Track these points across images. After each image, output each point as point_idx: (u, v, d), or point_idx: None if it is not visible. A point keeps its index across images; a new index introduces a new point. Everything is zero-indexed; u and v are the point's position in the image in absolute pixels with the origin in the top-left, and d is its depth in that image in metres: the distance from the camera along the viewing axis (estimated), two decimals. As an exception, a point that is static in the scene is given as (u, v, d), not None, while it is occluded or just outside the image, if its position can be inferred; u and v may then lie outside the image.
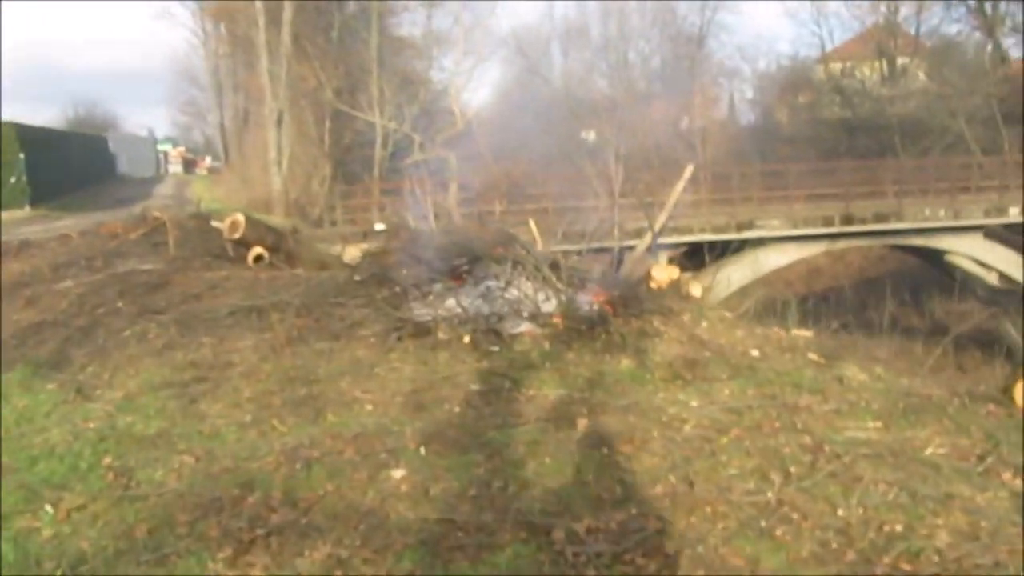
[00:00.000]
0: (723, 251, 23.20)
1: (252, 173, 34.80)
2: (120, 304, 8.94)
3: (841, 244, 23.14)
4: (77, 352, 7.12)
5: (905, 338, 14.37)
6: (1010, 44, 32.07)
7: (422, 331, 6.86)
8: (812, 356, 6.37)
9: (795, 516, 3.76)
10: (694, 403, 5.44)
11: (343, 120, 32.91)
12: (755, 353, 6.47)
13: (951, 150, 30.50)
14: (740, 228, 21.88)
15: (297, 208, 27.79)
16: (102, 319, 8.26)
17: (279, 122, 26.02)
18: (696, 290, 9.97)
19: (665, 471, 4.33)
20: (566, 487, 4.14)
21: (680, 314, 7.49)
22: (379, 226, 14.67)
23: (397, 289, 8.07)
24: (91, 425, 5.33)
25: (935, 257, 25.97)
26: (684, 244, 21.80)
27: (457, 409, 5.45)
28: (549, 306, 7.29)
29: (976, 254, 23.48)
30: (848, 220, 22.21)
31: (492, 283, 7.74)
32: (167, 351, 6.90)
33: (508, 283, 7.62)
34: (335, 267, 12.56)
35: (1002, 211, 23.01)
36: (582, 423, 5.02)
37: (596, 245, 21.43)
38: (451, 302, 7.43)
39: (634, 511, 3.87)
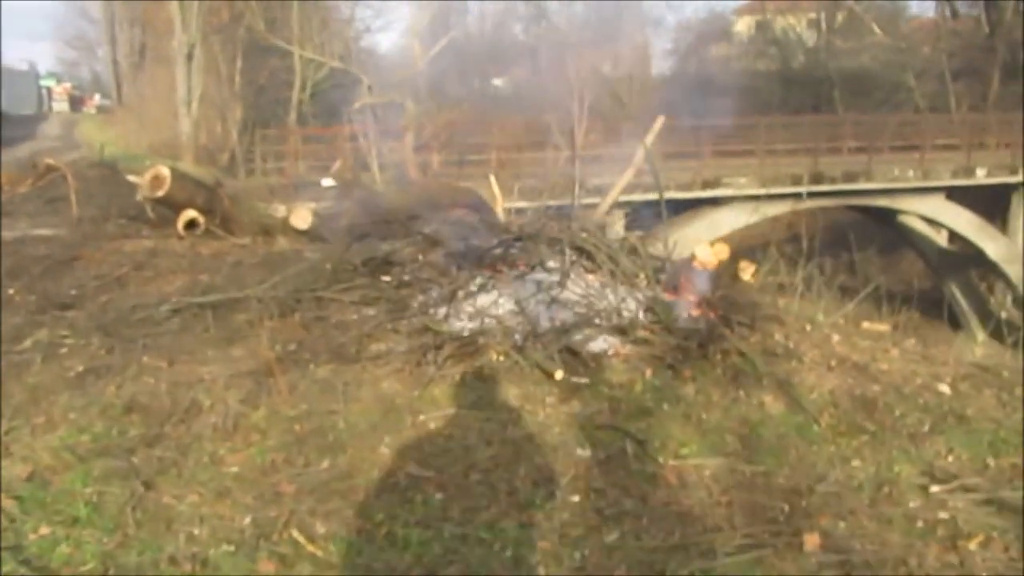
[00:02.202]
0: (676, 209, 21.60)
1: (153, 114, 31.40)
2: (12, 291, 6.59)
3: (807, 204, 21.82)
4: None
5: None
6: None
7: (467, 350, 4.84)
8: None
9: None
10: (933, 487, 3.62)
11: (256, 58, 29.93)
12: (944, 388, 4.70)
13: (899, 107, 29.61)
14: (706, 186, 20.23)
15: (208, 155, 24.88)
16: (-13, 317, 5.91)
17: (189, 58, 22.94)
18: (747, 274, 8.20)
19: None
20: None
21: (798, 321, 5.67)
22: (327, 181, 12.40)
23: (406, 278, 6.01)
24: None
25: (885, 216, 25.04)
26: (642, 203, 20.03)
27: (577, 498, 3.50)
28: (627, 310, 5.36)
29: (937, 216, 22.54)
30: (817, 179, 20.84)
31: (542, 276, 5.74)
32: (91, 380, 4.66)
33: (565, 276, 5.63)
34: (282, 233, 10.32)
35: (969, 172, 22.04)
36: (811, 540, 3.14)
37: (555, 203, 19.56)
38: (493, 302, 5.41)
39: None
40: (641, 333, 5.03)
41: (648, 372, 4.72)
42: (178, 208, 9.52)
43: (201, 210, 9.50)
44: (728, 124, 25.50)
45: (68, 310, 6.03)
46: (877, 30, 31.54)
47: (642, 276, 5.52)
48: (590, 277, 5.72)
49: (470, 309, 5.34)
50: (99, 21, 50.61)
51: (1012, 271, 23.14)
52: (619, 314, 5.17)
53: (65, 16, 58.92)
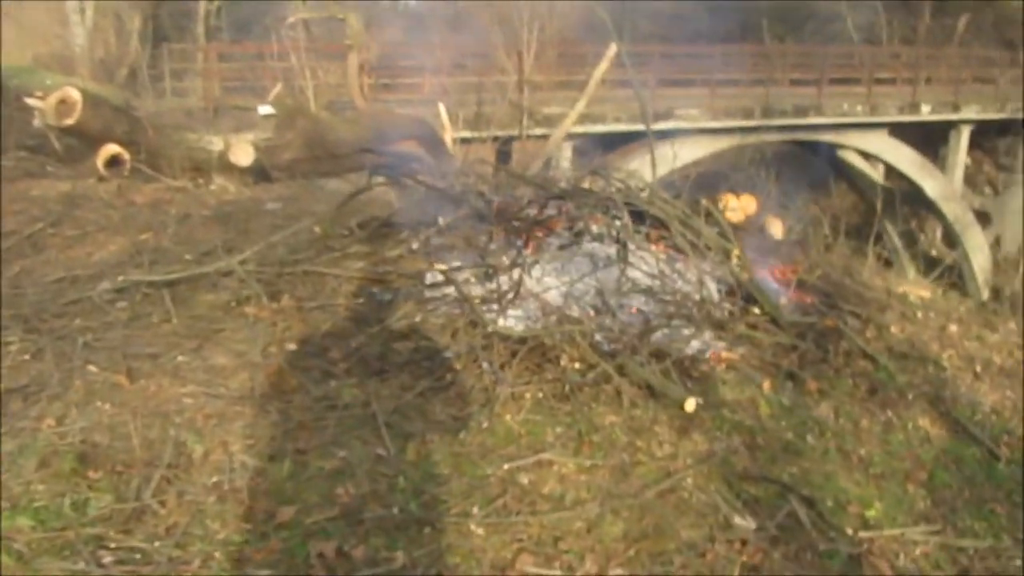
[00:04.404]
0: (613, 142, 20.48)
1: (35, 19, 28.27)
2: None
3: (752, 138, 21.03)
4: None
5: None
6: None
7: (532, 357, 3.68)
8: None
9: None
10: None
11: (153, -40, 27.19)
12: None
13: (832, 39, 29.02)
14: (657, 118, 19.15)
15: (105, 70, 22.36)
16: None
17: (80, -44, 20.30)
18: (775, 229, 7.25)
19: None
20: None
21: (900, 302, 4.71)
22: (264, 108, 10.73)
23: (415, 246, 4.78)
24: None
25: (821, 149, 24.61)
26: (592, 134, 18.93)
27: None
28: (712, 295, 4.28)
29: (880, 152, 22.18)
30: (768, 112, 20.04)
31: (594, 245, 4.60)
32: (16, 405, 3.32)
33: (624, 248, 4.48)
34: (218, 171, 8.82)
35: (915, 108, 21.64)
36: None
37: (502, 134, 18.17)
38: (540, 284, 4.25)
39: None
40: (743, 329, 3.97)
41: (766, 385, 3.68)
42: (93, 140, 7.92)
43: (121, 143, 7.92)
44: (670, 52, 24.42)
45: (-32, 285, 4.59)
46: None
47: (734, 252, 4.42)
48: (653, 248, 4.61)
49: (497, 289, 4.17)
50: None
51: (948, 209, 23.10)
52: (711, 303, 4.08)
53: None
